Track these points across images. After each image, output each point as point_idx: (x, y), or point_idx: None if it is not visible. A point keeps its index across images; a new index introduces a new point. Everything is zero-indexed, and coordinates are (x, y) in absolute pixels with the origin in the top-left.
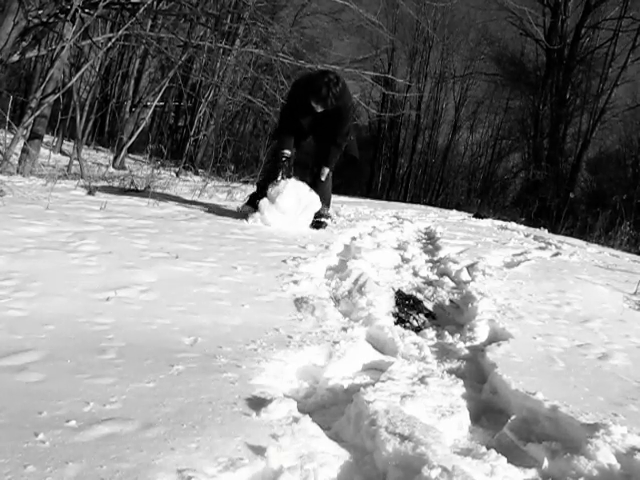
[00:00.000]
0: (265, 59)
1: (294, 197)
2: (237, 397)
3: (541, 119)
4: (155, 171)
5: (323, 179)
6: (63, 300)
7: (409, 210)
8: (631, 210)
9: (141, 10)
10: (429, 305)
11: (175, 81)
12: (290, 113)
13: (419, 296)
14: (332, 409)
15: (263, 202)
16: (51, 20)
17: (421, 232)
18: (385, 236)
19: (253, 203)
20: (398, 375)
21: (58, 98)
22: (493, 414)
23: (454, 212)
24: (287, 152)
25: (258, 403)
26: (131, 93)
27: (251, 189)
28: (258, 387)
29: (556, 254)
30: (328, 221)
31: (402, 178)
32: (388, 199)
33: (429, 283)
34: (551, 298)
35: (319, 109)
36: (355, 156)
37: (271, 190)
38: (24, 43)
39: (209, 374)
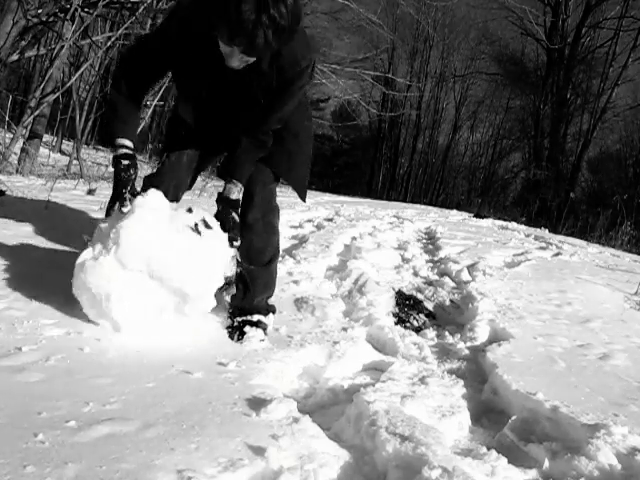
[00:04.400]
0: None
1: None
2: (237, 397)
3: (542, 119)
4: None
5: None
6: (63, 300)
7: (409, 210)
8: (632, 210)
9: (141, 9)
10: (429, 305)
11: None
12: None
13: (419, 296)
14: (332, 409)
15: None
16: (50, 19)
17: (421, 232)
18: (385, 236)
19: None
20: (398, 375)
21: (57, 97)
22: (494, 414)
23: (454, 212)
24: (127, 143)
25: (258, 403)
26: None
27: None
28: (258, 387)
29: (557, 254)
30: (261, 334)
31: (402, 178)
32: (388, 199)
33: (429, 283)
34: (552, 298)
35: (235, 61)
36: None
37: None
38: (23, 42)
39: (209, 374)
